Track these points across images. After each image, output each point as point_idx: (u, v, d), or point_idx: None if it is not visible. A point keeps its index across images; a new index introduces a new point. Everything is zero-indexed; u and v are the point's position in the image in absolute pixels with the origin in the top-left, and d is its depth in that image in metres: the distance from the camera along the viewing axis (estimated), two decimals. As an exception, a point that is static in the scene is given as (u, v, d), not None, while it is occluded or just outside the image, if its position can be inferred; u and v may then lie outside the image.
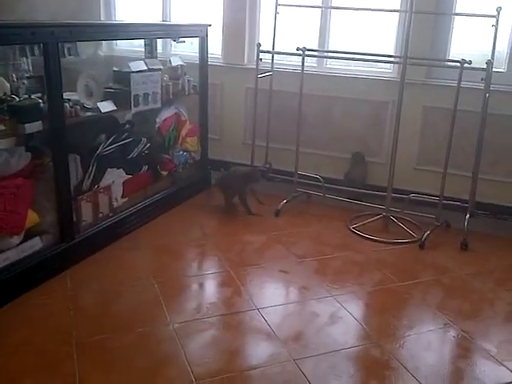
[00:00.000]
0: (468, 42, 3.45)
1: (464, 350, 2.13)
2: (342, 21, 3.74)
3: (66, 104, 2.56)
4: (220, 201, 3.40)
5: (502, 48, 3.27)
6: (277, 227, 3.21)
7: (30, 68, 2.64)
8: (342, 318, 2.30)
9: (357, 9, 3.58)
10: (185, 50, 3.96)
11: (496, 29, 2.94)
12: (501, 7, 2.90)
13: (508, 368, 2.00)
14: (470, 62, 2.88)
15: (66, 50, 2.71)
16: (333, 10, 3.70)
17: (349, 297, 2.47)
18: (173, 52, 4.08)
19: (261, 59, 3.53)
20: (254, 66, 3.56)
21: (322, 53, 3.77)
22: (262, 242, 3.02)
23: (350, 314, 2.32)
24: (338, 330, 2.21)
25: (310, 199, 3.63)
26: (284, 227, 3.22)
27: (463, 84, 2.93)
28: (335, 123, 3.75)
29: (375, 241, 3.06)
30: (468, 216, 3.12)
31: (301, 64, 3.35)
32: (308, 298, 2.47)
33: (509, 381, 1.93)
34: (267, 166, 3.75)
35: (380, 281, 2.63)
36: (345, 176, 3.74)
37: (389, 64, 3.59)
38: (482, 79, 2.91)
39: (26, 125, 2.32)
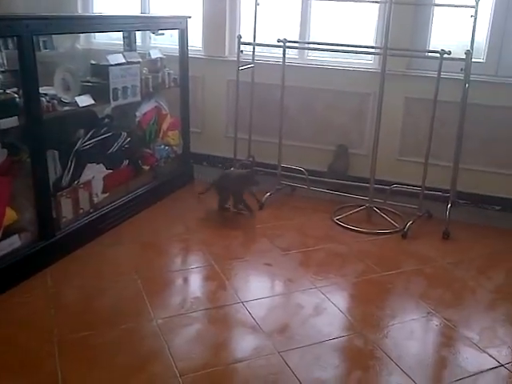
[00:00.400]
0: (448, 33, 3.46)
1: (447, 339, 2.16)
2: (323, 12, 3.73)
3: (43, 98, 2.50)
4: (210, 201, 3.34)
5: (481, 38, 3.29)
6: (261, 220, 3.21)
7: (5, 62, 2.57)
8: (327, 309, 2.30)
9: (337, 0, 3.57)
10: (164, 43, 3.91)
11: (475, 19, 2.96)
12: (479, -3, 2.92)
13: (490, 355, 2.03)
14: (449, 53, 2.89)
15: (41, 44, 2.65)
16: (313, 1, 3.69)
17: (333, 288, 2.47)
18: (152, 45, 4.02)
19: (242, 51, 3.49)
20: (235, 58, 3.53)
21: (303, 44, 3.76)
22: (246, 235, 3.01)
23: (334, 305, 2.33)
24: (323, 322, 2.22)
25: (294, 192, 3.63)
26: (268, 220, 3.21)
27: (443, 75, 2.95)
28: (317, 115, 3.75)
29: (358, 232, 3.07)
30: (450, 206, 3.15)
31: (282, 56, 3.33)
32: (292, 290, 2.47)
33: (491, 367, 1.96)
34: (250, 159, 3.73)
35: (363, 271, 2.64)
36: (328, 168, 3.74)
37: (370, 55, 3.60)
38: (461, 69, 2.93)
39: (1, 120, 2.26)
